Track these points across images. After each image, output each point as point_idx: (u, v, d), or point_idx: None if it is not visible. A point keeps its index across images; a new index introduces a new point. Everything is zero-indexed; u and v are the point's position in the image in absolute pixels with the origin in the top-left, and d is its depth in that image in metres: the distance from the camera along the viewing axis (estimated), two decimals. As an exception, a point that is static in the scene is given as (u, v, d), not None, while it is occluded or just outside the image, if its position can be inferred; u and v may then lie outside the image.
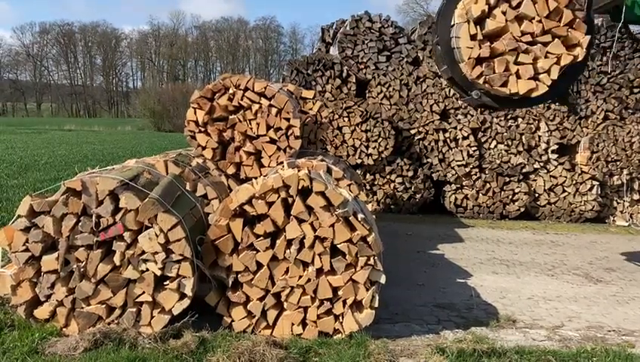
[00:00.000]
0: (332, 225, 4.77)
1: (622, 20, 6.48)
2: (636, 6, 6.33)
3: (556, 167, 11.59)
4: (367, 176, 11.60)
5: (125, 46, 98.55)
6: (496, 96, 5.73)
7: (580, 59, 5.55)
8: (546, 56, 5.53)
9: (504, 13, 5.50)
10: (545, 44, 5.54)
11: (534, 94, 5.62)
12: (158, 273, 4.64)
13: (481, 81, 5.58)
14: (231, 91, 6.70)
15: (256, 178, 5.95)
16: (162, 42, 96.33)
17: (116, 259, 4.67)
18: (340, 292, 4.82)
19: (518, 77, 5.56)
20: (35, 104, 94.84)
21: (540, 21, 5.49)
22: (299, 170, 5.00)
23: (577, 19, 5.52)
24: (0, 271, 4.85)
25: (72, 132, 40.36)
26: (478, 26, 5.55)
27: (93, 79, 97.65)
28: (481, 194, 11.59)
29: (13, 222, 4.77)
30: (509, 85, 5.56)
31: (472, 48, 5.56)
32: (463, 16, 5.59)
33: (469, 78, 5.66)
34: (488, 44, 5.53)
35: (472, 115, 11.57)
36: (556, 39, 5.53)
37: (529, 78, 5.55)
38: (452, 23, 5.74)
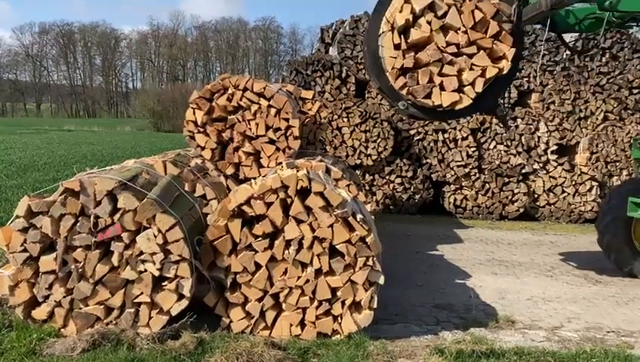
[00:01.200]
0: (331, 226, 4.76)
1: (550, 29, 6.44)
2: (571, 15, 6.28)
3: (555, 167, 11.58)
4: (367, 176, 11.60)
5: (125, 46, 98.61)
6: (422, 107, 5.65)
7: (505, 71, 5.49)
8: (471, 68, 5.47)
9: (429, 22, 5.44)
10: (470, 56, 5.48)
11: (458, 107, 5.55)
12: (157, 274, 4.63)
13: (404, 92, 5.52)
14: (230, 91, 6.69)
15: (255, 178, 5.94)
16: (162, 42, 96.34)
17: (114, 260, 4.66)
18: (338, 293, 4.81)
19: (442, 89, 5.51)
20: (34, 104, 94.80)
21: (465, 32, 5.43)
22: (298, 171, 4.99)
23: (504, 32, 5.47)
24: (-2, 271, 4.85)
25: (71, 132, 40.35)
26: (402, 36, 5.47)
27: (93, 79, 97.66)
28: (480, 195, 11.59)
29: (11, 222, 4.76)
30: (433, 97, 5.50)
31: (395, 58, 5.49)
32: (387, 25, 5.51)
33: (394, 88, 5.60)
34: (413, 54, 5.45)
35: (472, 116, 11.56)
36: (482, 51, 5.47)
37: (453, 91, 5.49)
38: (380, 32, 5.64)
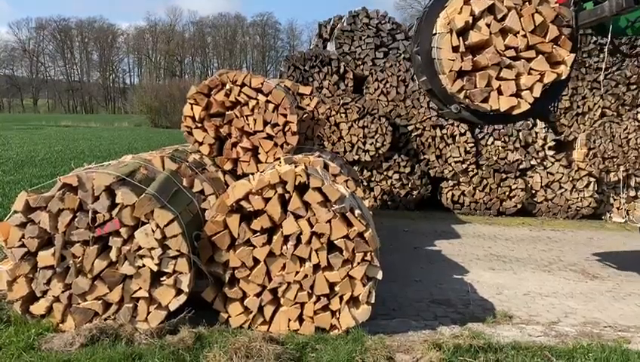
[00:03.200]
0: (329, 221, 4.76)
1: (599, 32, 6.36)
2: (622, 18, 6.25)
3: (553, 163, 11.60)
4: (365, 172, 11.60)
5: (122, 42, 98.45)
6: (475, 111, 5.57)
7: (563, 77, 5.42)
8: (529, 73, 5.41)
9: (488, 25, 5.36)
10: (529, 60, 5.41)
11: (516, 111, 5.47)
12: (155, 269, 4.63)
13: (461, 95, 5.43)
14: (228, 87, 6.69)
15: (253, 174, 5.94)
16: (159, 38, 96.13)
17: (112, 255, 4.66)
18: (336, 288, 4.81)
19: (500, 93, 5.43)
20: (31, 100, 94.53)
21: (524, 35, 5.37)
22: (296, 166, 4.99)
23: (563, 36, 5.41)
24: (-4, 266, 4.84)
25: (68, 128, 40.25)
26: (460, 38, 5.39)
27: (90, 75, 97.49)
28: (477, 191, 11.61)
29: (9, 217, 4.75)
30: (491, 101, 5.43)
31: (453, 60, 5.39)
32: (445, 27, 5.41)
33: (449, 91, 5.50)
34: (471, 57, 5.38)
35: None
36: (540, 55, 5.41)
37: (511, 95, 5.41)
38: (434, 32, 5.55)
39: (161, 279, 4.69)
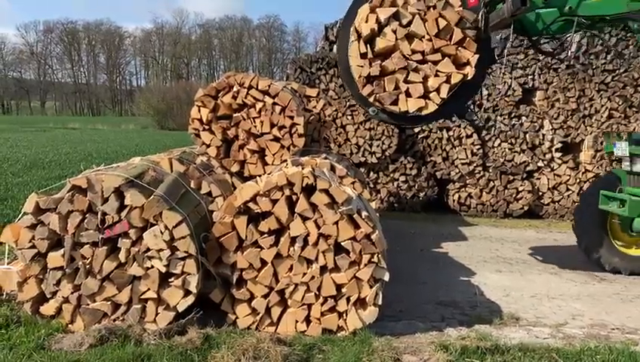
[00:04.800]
0: (336, 223, 4.78)
1: (521, 33, 6.44)
2: (540, 19, 6.25)
3: (560, 165, 11.58)
4: (371, 174, 11.62)
5: (129, 44, 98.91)
6: (391, 113, 5.74)
7: (469, 77, 5.54)
8: (436, 75, 5.55)
9: (394, 31, 5.52)
10: (435, 63, 5.55)
11: (424, 112, 5.64)
12: (163, 270, 4.66)
13: (372, 99, 5.61)
14: (235, 89, 6.72)
15: (260, 176, 5.97)
16: (166, 40, 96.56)
17: (121, 256, 4.69)
18: (343, 290, 4.83)
19: (409, 95, 5.59)
20: (39, 102, 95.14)
21: (430, 40, 5.50)
22: (303, 168, 5.01)
23: (468, 38, 5.53)
24: (6, 267, 4.89)
25: (76, 130, 40.46)
26: (369, 45, 5.56)
27: (97, 77, 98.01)
28: (484, 193, 11.60)
29: (19, 219, 4.80)
30: (400, 103, 5.60)
31: (362, 67, 5.59)
32: (354, 35, 5.60)
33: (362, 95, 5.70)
34: (379, 62, 5.52)
35: (476, 113, 11.57)
36: (446, 58, 5.54)
37: (419, 97, 5.57)
38: (350, 41, 5.75)
39: (170, 280, 4.72)
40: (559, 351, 4.59)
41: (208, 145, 6.80)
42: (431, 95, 5.61)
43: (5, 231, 4.78)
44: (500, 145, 11.58)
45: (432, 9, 5.53)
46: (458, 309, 5.77)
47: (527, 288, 6.60)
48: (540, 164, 11.60)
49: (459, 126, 11.52)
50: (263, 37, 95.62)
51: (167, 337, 4.50)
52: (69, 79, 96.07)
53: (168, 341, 4.44)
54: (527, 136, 11.54)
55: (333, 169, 6.33)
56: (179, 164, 6.16)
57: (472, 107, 11.45)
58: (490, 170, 11.54)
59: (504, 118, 11.62)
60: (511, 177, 11.53)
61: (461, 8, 5.58)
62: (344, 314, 4.85)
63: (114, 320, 4.70)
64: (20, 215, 4.81)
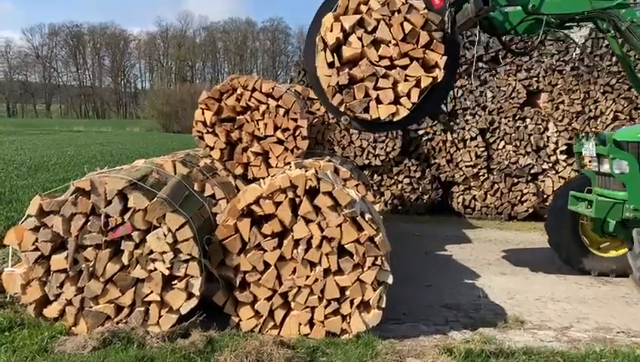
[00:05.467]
0: (339, 225, 4.77)
1: (490, 32, 6.45)
2: (508, 18, 6.21)
3: (565, 167, 11.52)
4: (375, 176, 11.60)
5: (134, 47, 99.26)
6: (363, 120, 5.68)
7: (439, 79, 5.48)
8: (405, 80, 5.50)
9: (360, 38, 5.47)
10: (404, 67, 5.50)
11: (396, 118, 5.59)
12: (166, 272, 4.66)
13: (342, 108, 5.56)
14: (239, 92, 6.73)
15: (263, 178, 5.97)
16: (170, 43, 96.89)
17: (125, 259, 4.69)
18: (347, 293, 4.82)
19: (379, 102, 5.53)
20: (44, 105, 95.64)
21: (396, 44, 5.44)
22: (306, 171, 5.00)
23: (435, 40, 5.48)
24: (10, 270, 4.90)
25: (80, 133, 40.60)
26: (335, 54, 5.51)
27: (102, 80, 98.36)
28: (489, 195, 11.55)
29: (22, 221, 4.80)
30: (371, 111, 5.55)
31: (330, 76, 5.54)
32: (320, 44, 5.56)
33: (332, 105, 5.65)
34: (347, 70, 5.47)
35: (480, 116, 11.54)
36: (414, 62, 5.48)
37: (390, 103, 5.51)
38: (316, 51, 5.71)
39: (173, 283, 4.72)
40: (564, 354, 4.56)
41: (212, 148, 6.81)
42: (402, 100, 5.55)
43: (9, 233, 4.79)
44: (504, 147, 11.54)
45: (396, 13, 5.48)
46: (462, 312, 5.74)
47: (531, 291, 6.57)
48: (545, 166, 11.55)
49: (463, 128, 11.49)
50: (267, 40, 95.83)
51: (170, 340, 4.49)
52: (74, 82, 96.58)
53: (171, 344, 4.43)
54: (531, 138, 11.50)
55: (336, 171, 6.33)
56: (182, 167, 6.17)
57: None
58: (495, 173, 11.50)
59: (508, 121, 11.58)
60: (515, 180, 11.48)
61: (426, 11, 5.52)
62: (348, 317, 4.84)
63: (117, 323, 4.70)
64: (24, 217, 4.81)
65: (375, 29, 5.46)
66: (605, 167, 6.47)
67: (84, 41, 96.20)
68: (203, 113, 6.82)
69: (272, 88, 6.68)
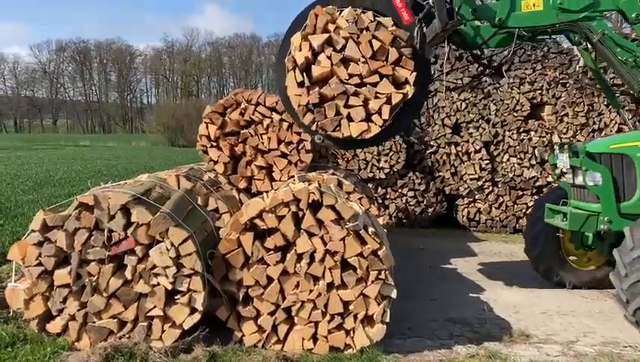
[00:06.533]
0: (342, 239, 4.75)
1: (462, 47, 6.43)
2: (480, 32, 6.19)
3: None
4: (379, 189, 11.58)
5: (140, 63, 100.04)
6: (336, 138, 5.68)
7: (409, 96, 5.47)
8: (376, 97, 5.48)
9: (329, 57, 5.46)
10: (374, 85, 5.48)
11: (368, 135, 5.57)
12: (169, 287, 4.65)
13: (314, 127, 5.56)
14: (243, 106, 6.77)
15: (267, 192, 5.97)
16: (176, 59, 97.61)
17: (128, 274, 4.69)
18: (350, 307, 4.79)
19: (351, 120, 5.52)
20: (50, 120, 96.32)
21: (365, 62, 5.43)
22: (309, 184, 5.00)
23: (404, 57, 5.47)
24: (13, 285, 4.90)
25: (86, 148, 40.80)
26: (306, 73, 5.50)
27: (108, 95, 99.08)
28: (494, 208, 11.51)
29: (26, 236, 4.82)
30: (342, 129, 5.54)
31: (300, 96, 5.53)
32: (291, 63, 5.57)
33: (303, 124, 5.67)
34: (317, 89, 5.47)
35: (484, 129, 11.53)
36: (384, 79, 5.47)
37: (361, 120, 5.50)
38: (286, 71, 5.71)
39: (176, 297, 4.71)
40: (570, 369, 4.51)
41: (216, 162, 6.84)
42: (373, 117, 5.54)
43: (12, 248, 4.81)
44: (508, 160, 11.52)
45: (365, 31, 5.47)
46: (467, 326, 5.69)
47: (537, 304, 6.51)
48: (550, 178, 11.51)
49: (467, 141, 11.49)
50: (272, 54, 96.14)
51: (173, 355, 4.48)
52: (81, 97, 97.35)
53: (174, 359, 4.43)
54: (535, 150, 11.48)
55: (340, 185, 6.33)
56: (186, 181, 6.18)
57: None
58: (499, 186, 11.47)
59: (512, 133, 11.56)
60: (520, 192, 11.44)
61: (394, 28, 5.52)
62: (351, 332, 4.80)
63: (120, 338, 4.68)
64: (28, 232, 4.83)
65: (344, 47, 5.46)
66: (579, 179, 6.41)
67: (91, 56, 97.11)
68: (207, 127, 6.85)
69: (276, 102, 6.72)
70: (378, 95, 5.48)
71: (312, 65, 5.50)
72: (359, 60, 5.45)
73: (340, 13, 5.54)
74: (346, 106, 5.50)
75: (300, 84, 5.53)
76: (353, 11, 5.50)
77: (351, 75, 5.48)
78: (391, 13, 5.60)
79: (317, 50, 5.46)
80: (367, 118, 5.53)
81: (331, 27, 5.52)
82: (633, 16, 5.84)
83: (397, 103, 5.48)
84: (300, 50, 5.50)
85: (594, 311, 6.31)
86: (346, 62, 5.50)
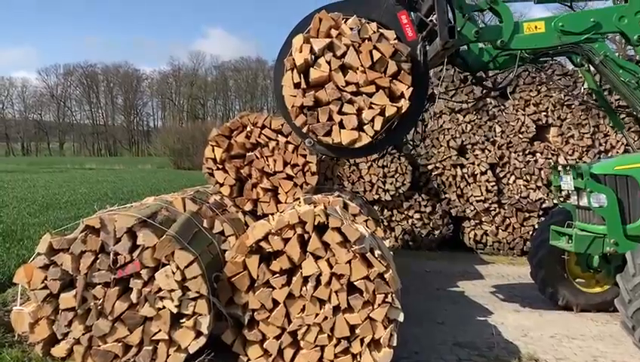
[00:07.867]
0: (349, 262, 4.73)
1: (464, 68, 6.48)
2: (485, 53, 6.22)
3: (577, 201, 11.40)
4: (385, 211, 11.55)
5: (146, 86, 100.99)
6: (328, 145, 5.66)
7: (403, 110, 5.47)
8: (370, 107, 5.47)
9: (328, 62, 5.47)
10: (369, 95, 5.47)
11: (358, 144, 5.54)
12: (175, 310, 4.61)
13: (305, 130, 5.55)
14: (248, 129, 6.80)
15: (272, 214, 5.96)
16: (182, 82, 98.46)
17: (133, 297, 4.66)
18: (357, 331, 4.74)
19: (342, 127, 5.50)
20: (57, 143, 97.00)
21: (364, 71, 5.45)
22: (315, 206, 4.99)
23: (402, 71, 5.47)
24: (19, 308, 4.88)
25: (93, 170, 40.98)
26: (303, 75, 5.53)
27: (115, 119, 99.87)
28: (500, 230, 11.45)
29: (32, 259, 4.81)
30: (333, 135, 5.51)
31: (295, 97, 5.53)
32: (289, 64, 5.59)
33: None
34: (313, 93, 5.48)
35: (490, 151, 11.53)
36: (380, 90, 5.47)
37: (353, 129, 5.48)
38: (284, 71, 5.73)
39: (181, 321, 4.67)
40: (581, 394, 4.44)
41: (222, 184, 6.85)
42: (365, 127, 5.53)
43: (18, 271, 4.79)
44: (514, 181, 11.50)
45: (367, 41, 5.49)
46: (475, 350, 5.63)
47: (546, 328, 6.44)
48: (556, 200, 11.44)
49: (473, 163, 11.47)
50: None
51: (177, 380, 4.42)
52: (88, 120, 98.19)
53: (179, 383, 4.37)
54: (542, 172, 11.45)
55: (346, 207, 6.31)
56: (192, 204, 6.19)
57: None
58: (506, 207, 11.42)
59: (518, 155, 11.55)
60: (527, 214, 11.38)
61: (396, 41, 5.55)
62: (358, 356, 4.75)
63: (125, 362, 4.64)
64: (34, 255, 4.82)
65: (344, 54, 5.47)
66: (584, 201, 6.39)
67: (98, 80, 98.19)
68: (213, 150, 6.88)
69: (282, 125, 6.75)
70: (372, 105, 5.48)
71: (311, 68, 5.51)
72: (358, 69, 5.47)
73: (344, 21, 5.58)
74: (340, 113, 5.50)
75: (297, 86, 5.55)
76: (358, 20, 5.55)
77: (348, 83, 5.49)
78: (395, 27, 5.64)
79: (317, 53, 5.48)
80: (359, 128, 5.52)
81: (334, 32, 5.55)
82: (635, 38, 5.87)
83: (390, 116, 5.48)
84: (301, 51, 5.51)
85: (605, 335, 6.23)
86: (344, 69, 5.52)
